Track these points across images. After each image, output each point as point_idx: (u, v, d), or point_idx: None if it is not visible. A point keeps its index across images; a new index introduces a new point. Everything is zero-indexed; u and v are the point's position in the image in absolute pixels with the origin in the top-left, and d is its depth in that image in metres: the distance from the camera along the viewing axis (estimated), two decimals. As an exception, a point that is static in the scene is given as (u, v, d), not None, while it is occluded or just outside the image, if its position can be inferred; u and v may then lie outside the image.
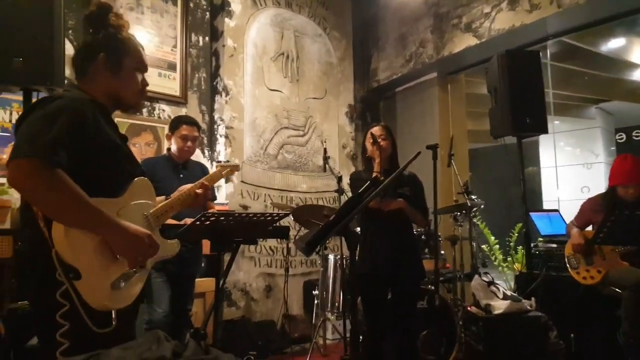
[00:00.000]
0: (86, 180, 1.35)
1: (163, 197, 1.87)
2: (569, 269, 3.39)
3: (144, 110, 4.23)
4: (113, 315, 1.37)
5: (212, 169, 4.46)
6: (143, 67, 1.66)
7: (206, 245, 3.29)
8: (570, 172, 7.99)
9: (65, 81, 2.70)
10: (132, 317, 1.57)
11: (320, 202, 4.97)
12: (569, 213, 3.80)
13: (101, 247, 1.37)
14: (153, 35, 4.32)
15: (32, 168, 1.25)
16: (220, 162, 2.40)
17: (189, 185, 1.98)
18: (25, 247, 1.44)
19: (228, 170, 2.34)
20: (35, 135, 1.29)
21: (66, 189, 1.28)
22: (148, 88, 1.71)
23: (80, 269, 1.30)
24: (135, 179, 1.58)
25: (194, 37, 4.66)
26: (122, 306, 1.41)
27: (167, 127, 3.24)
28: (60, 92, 1.47)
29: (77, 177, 1.33)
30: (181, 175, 3.06)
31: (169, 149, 3.19)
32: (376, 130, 2.87)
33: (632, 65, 6.71)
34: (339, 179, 3.88)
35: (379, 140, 2.79)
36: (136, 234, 1.42)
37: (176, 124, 3.12)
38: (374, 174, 2.65)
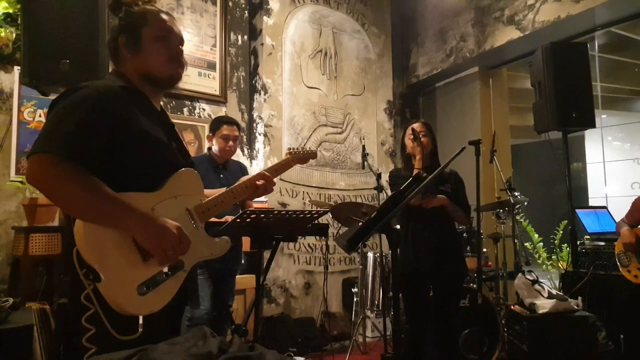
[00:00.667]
0: (119, 173, 1.30)
1: (219, 190, 1.70)
2: (620, 267, 3.26)
3: (185, 109, 4.33)
4: (140, 322, 1.28)
5: (250, 167, 4.53)
6: (167, 33, 1.49)
7: (246, 243, 3.34)
8: (619, 168, 7.67)
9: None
10: (169, 323, 1.42)
11: (359, 200, 4.96)
12: (618, 210, 3.65)
13: (124, 247, 1.27)
14: (193, 35, 4.41)
15: (46, 164, 1.21)
16: (291, 149, 2.06)
17: (248, 177, 1.78)
18: (67, 245, 1.41)
19: (301, 159, 2.05)
20: (51, 130, 1.25)
21: (79, 182, 1.22)
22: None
23: (99, 270, 1.22)
24: (181, 170, 1.45)
25: (232, 36, 4.73)
26: (149, 312, 1.29)
27: (207, 127, 3.30)
28: (89, 82, 1.38)
29: (108, 171, 1.28)
30: (221, 176, 3.10)
31: (209, 149, 3.23)
32: (417, 126, 2.85)
33: (686, 55, 6.38)
34: (378, 176, 3.86)
35: (420, 136, 2.76)
36: (163, 225, 1.29)
37: (217, 124, 3.16)
38: (415, 171, 2.63)
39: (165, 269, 1.34)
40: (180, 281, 1.39)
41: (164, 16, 1.52)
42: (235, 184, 1.70)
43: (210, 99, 4.49)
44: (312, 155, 2.11)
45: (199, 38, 4.47)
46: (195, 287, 1.51)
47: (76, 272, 1.24)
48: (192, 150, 4.32)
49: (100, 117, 1.29)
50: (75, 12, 2.52)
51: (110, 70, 2.68)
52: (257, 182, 1.74)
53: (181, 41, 1.54)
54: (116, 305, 1.23)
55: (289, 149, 2.08)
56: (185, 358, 0.91)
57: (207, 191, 1.59)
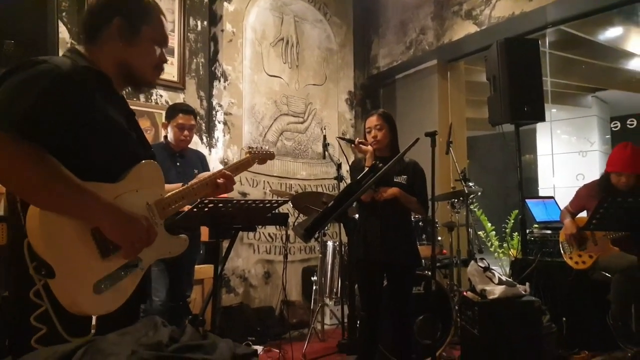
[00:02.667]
0: (77, 161, 1.19)
1: (178, 185, 1.67)
2: (563, 254, 3.46)
3: (141, 95, 4.22)
4: (93, 322, 1.21)
5: (209, 156, 4.47)
6: (163, 41, 1.45)
7: (205, 232, 3.31)
8: (566, 160, 8.06)
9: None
10: (125, 323, 1.33)
11: (320, 189, 4.99)
12: (564, 200, 3.85)
13: (82, 241, 1.19)
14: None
15: (3, 143, 1.08)
16: (251, 148, 2.07)
17: (208, 173, 1.74)
18: (8, 232, 1.27)
19: (261, 159, 2.07)
20: (8, 105, 1.11)
21: (40, 164, 1.11)
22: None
23: (54, 265, 1.12)
24: (142, 162, 1.38)
25: (192, 22, 4.63)
26: (104, 312, 1.22)
27: (164, 114, 3.23)
28: (47, 57, 1.22)
29: (65, 158, 1.17)
30: (177, 164, 3.05)
31: (165, 137, 3.16)
32: (372, 120, 2.89)
33: (629, 55, 6.73)
34: (339, 166, 3.90)
35: (374, 130, 2.85)
36: (132, 215, 1.24)
37: (172, 112, 3.08)
38: (367, 161, 2.74)
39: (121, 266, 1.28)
40: (138, 279, 1.34)
41: (164, 20, 1.46)
42: (196, 181, 1.65)
43: (168, 85, 4.39)
44: (271, 156, 2.12)
45: (156, 22, 4.34)
46: (149, 284, 1.46)
47: (25, 265, 1.14)
48: (148, 138, 4.19)
49: (62, 96, 1.17)
50: (23, -10, 2.42)
51: (61, 52, 2.59)
52: (218, 181, 1.70)
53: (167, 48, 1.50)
54: (69, 303, 1.14)
55: (249, 147, 2.09)
56: (135, 348, 0.90)
57: (166, 186, 1.56)
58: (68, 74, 1.20)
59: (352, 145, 2.97)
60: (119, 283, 1.26)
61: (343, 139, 3.56)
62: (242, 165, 1.93)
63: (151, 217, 1.37)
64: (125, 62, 1.38)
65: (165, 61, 1.48)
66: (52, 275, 1.12)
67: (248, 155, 2.02)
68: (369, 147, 2.80)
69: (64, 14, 3.80)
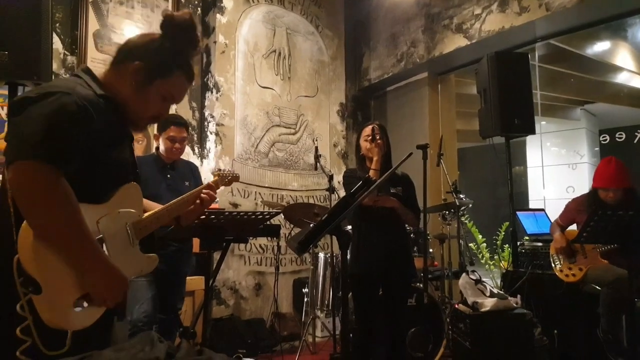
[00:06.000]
0: (70, 182, 1.20)
1: (155, 205, 1.69)
2: (553, 267, 3.47)
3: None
4: (68, 336, 1.22)
5: (201, 167, 4.46)
6: (172, 99, 1.49)
7: (196, 244, 3.28)
8: (556, 172, 8.13)
9: (53, 76, 2.68)
10: (99, 336, 1.36)
11: (311, 201, 4.99)
12: (554, 212, 3.87)
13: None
14: (143, 30, 4.28)
15: (41, 173, 1.12)
16: (219, 171, 2.20)
17: (180, 198, 1.72)
18: None
19: (227, 181, 2.19)
20: (43, 136, 1.14)
21: (68, 206, 1.17)
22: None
23: (41, 282, 1.15)
24: (127, 184, 1.43)
25: (185, 34, 4.62)
26: (81, 327, 1.25)
27: (155, 126, 3.21)
28: (72, 85, 1.28)
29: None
30: (168, 176, 3.02)
31: (157, 148, 3.13)
32: (374, 128, 2.84)
33: (616, 68, 6.85)
34: (330, 178, 3.90)
35: (377, 136, 2.77)
36: (121, 279, 1.29)
37: (164, 124, 3.03)
38: (372, 172, 2.65)
39: None
40: None
41: (186, 82, 1.49)
42: (172, 203, 1.66)
43: (160, 96, 4.36)
44: (236, 178, 2.25)
45: (149, 33, 4.35)
46: (123, 301, 1.45)
47: (9, 279, 1.15)
48: (140, 149, 4.19)
49: (84, 132, 1.23)
50: (16, 3, 2.41)
51: (53, 68, 2.57)
52: (202, 195, 1.75)
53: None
54: (50, 318, 1.17)
55: (218, 170, 2.20)
56: (132, 364, 0.90)
57: (145, 202, 1.57)
58: (87, 109, 1.24)
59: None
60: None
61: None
62: (212, 189, 1.90)
63: (128, 238, 1.42)
64: (126, 102, 1.41)
65: (165, 116, 1.53)
66: (39, 292, 1.15)
67: (216, 178, 2.08)
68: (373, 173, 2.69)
69: (57, 25, 3.80)
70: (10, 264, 1.15)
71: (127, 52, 1.43)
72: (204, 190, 1.76)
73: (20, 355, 1.15)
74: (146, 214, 1.52)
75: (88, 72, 1.42)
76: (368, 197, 2.29)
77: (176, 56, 1.45)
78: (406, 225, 3.05)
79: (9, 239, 1.17)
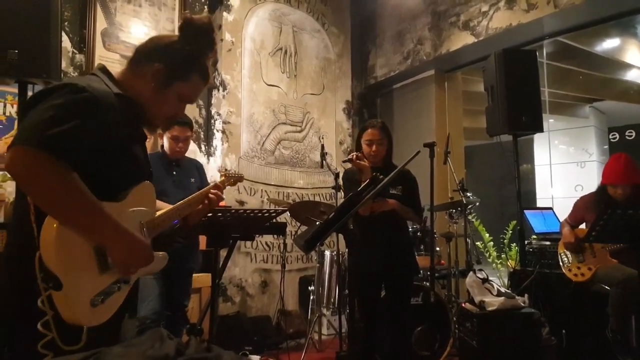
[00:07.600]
0: (86, 180, 1.22)
1: (166, 205, 1.73)
2: (561, 266, 3.44)
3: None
4: (84, 332, 1.24)
5: (207, 165, 4.47)
6: (188, 99, 1.53)
7: (202, 241, 3.29)
8: (564, 171, 8.06)
9: (62, 74, 2.69)
10: (110, 333, 1.39)
11: (317, 198, 4.98)
12: (563, 211, 3.84)
13: (86, 256, 1.25)
14: (150, 29, 4.30)
15: (40, 158, 1.13)
16: (226, 170, 2.25)
17: (189, 198, 1.76)
18: (12, 241, 1.31)
19: (232, 182, 2.23)
20: (49, 125, 1.16)
21: (74, 184, 1.18)
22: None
23: (62, 278, 1.17)
24: (142, 183, 1.46)
25: (191, 32, 4.63)
26: (97, 323, 1.27)
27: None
28: (87, 81, 1.30)
29: (80, 175, 1.21)
30: (174, 173, 3.05)
31: (162, 146, 3.16)
32: (375, 134, 2.83)
33: (626, 66, 6.77)
34: (336, 175, 3.88)
35: (375, 144, 2.80)
36: (142, 243, 1.32)
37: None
38: (372, 176, 2.65)
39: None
40: (125, 294, 1.41)
41: (203, 84, 1.52)
42: (182, 202, 1.69)
43: (166, 94, 4.37)
44: (240, 179, 2.31)
45: (156, 32, 4.35)
46: (134, 299, 1.50)
47: (30, 275, 1.17)
48: (147, 146, 4.19)
49: (96, 126, 1.25)
50: (26, 2, 2.43)
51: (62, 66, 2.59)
52: (210, 195, 1.79)
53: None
54: (68, 314, 1.19)
55: (226, 170, 2.27)
56: (142, 360, 0.90)
57: (158, 203, 1.60)
58: (104, 106, 1.27)
59: (349, 160, 2.82)
60: (110, 297, 1.33)
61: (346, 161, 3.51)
62: (217, 187, 1.93)
63: (143, 235, 1.43)
64: (144, 102, 1.44)
65: (180, 116, 1.58)
66: (60, 288, 1.17)
67: (222, 178, 2.13)
68: (366, 164, 2.74)
69: (66, 23, 3.81)
70: (32, 261, 1.17)
71: (147, 54, 1.45)
72: (212, 190, 1.79)
73: (41, 349, 1.17)
74: (158, 213, 1.54)
75: (105, 71, 1.44)
76: (363, 208, 2.30)
77: (195, 59, 1.47)
78: (410, 223, 3.04)
79: (30, 236, 1.20)
